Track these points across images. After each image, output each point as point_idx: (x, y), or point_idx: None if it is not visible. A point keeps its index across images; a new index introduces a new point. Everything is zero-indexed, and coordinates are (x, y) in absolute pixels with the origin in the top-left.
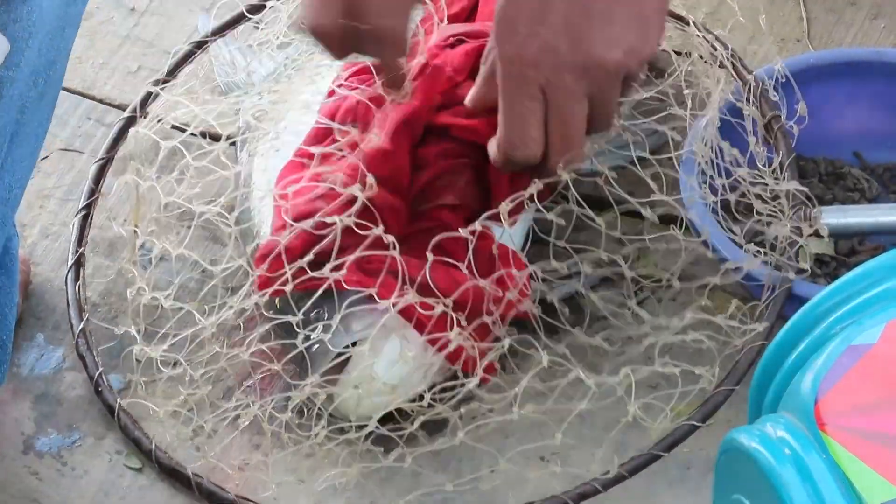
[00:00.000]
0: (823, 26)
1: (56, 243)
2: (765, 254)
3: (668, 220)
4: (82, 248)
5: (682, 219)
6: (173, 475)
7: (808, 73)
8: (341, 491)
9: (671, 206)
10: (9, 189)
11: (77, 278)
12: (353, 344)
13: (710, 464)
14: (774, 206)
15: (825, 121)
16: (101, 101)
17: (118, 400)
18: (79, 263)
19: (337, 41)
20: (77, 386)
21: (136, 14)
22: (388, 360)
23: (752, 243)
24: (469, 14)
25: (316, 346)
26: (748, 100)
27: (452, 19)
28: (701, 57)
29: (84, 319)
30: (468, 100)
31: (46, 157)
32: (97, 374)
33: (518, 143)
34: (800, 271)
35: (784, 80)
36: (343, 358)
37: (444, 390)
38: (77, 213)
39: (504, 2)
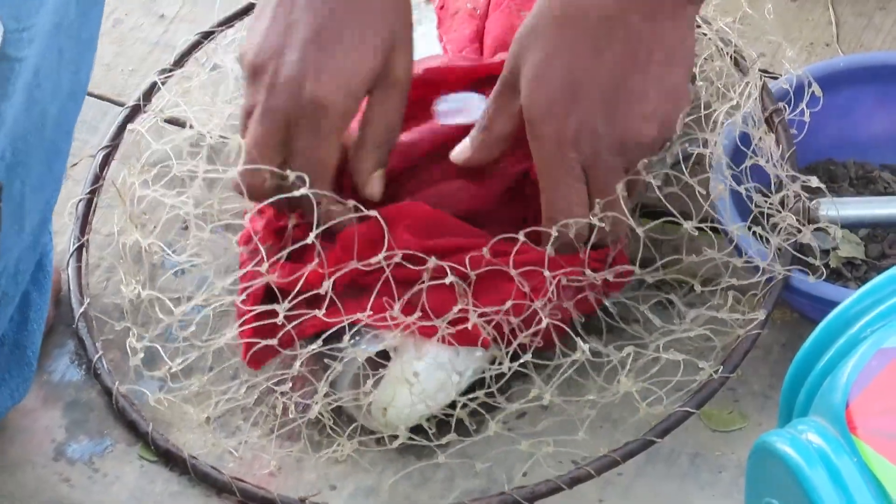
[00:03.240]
0: (852, 30)
1: (98, 269)
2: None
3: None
4: (85, 237)
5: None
6: (168, 456)
7: (837, 78)
8: (374, 496)
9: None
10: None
11: (79, 264)
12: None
13: (742, 467)
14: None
15: (855, 125)
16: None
17: (115, 384)
18: (80, 250)
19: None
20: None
21: (166, 21)
22: (425, 365)
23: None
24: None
25: (345, 353)
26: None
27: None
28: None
29: (85, 304)
30: (457, 155)
31: (76, 164)
32: (96, 357)
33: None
34: (796, 262)
35: (812, 82)
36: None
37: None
38: (80, 201)
39: (533, 83)
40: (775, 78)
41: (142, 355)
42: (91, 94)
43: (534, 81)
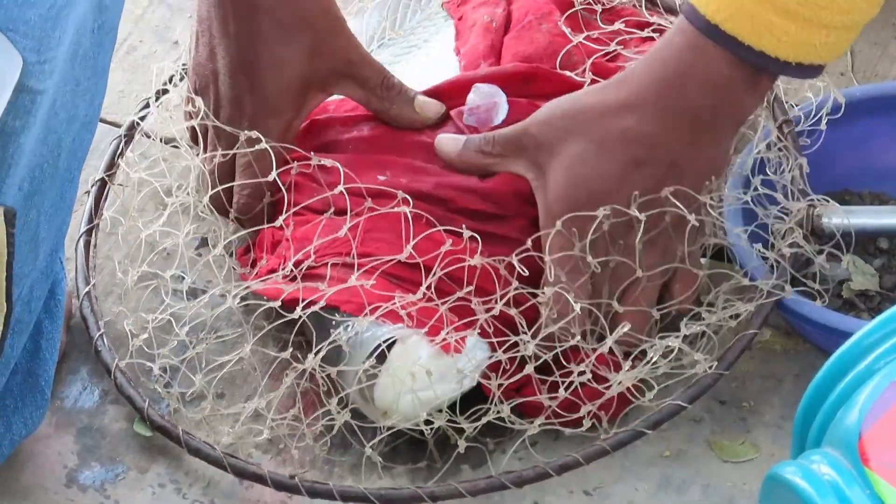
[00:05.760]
0: (868, 60)
1: (98, 276)
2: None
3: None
4: (97, 220)
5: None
6: (163, 431)
7: (853, 108)
8: None
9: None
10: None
11: (87, 247)
12: (389, 345)
13: (754, 498)
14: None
15: (871, 155)
16: (144, 136)
17: (116, 360)
18: (90, 233)
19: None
20: (120, 419)
21: (179, 48)
22: (428, 353)
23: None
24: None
25: (350, 340)
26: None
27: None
28: None
29: (90, 285)
30: (442, 146)
31: (88, 191)
32: (98, 335)
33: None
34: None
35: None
36: (381, 349)
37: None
38: (93, 185)
39: (564, 180)
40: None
41: (145, 336)
42: (104, 121)
43: (565, 178)
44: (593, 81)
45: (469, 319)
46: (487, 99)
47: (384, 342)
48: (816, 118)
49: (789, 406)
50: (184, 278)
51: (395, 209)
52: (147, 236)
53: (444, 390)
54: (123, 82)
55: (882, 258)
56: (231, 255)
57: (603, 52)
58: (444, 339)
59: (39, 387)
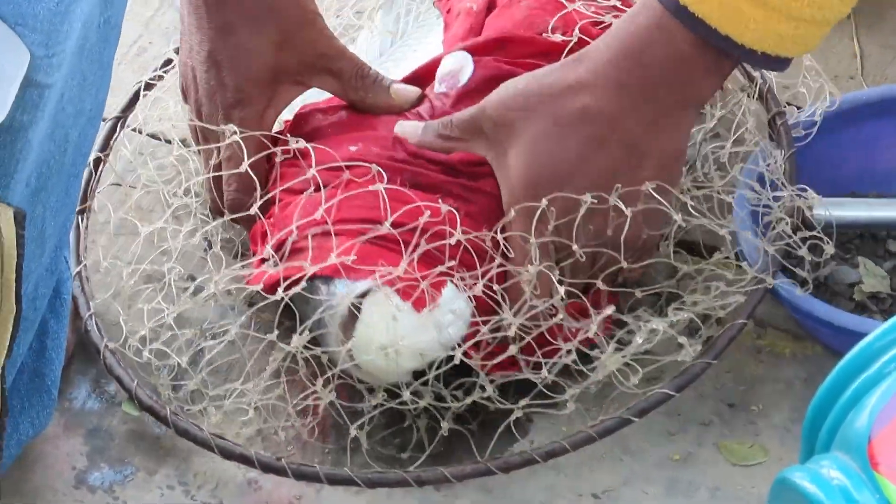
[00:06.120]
0: (878, 63)
1: (108, 278)
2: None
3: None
4: (88, 202)
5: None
6: (150, 412)
7: (860, 110)
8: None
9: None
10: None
11: (77, 228)
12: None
13: (763, 502)
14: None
15: (878, 157)
16: (152, 137)
17: (104, 341)
18: (81, 214)
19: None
20: (129, 420)
21: None
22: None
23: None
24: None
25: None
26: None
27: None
28: None
29: (81, 265)
30: (403, 132)
31: (98, 192)
32: (88, 315)
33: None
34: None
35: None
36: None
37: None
38: (85, 167)
39: (524, 164)
40: (798, 108)
41: (142, 332)
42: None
43: (526, 158)
44: (564, 44)
45: (441, 270)
46: (453, 64)
47: (361, 294)
48: (814, 114)
49: (798, 409)
50: (185, 277)
51: (372, 186)
52: (148, 235)
53: (425, 341)
54: (133, 83)
55: (893, 260)
56: (235, 256)
57: (590, 20)
58: (419, 295)
59: (46, 387)
